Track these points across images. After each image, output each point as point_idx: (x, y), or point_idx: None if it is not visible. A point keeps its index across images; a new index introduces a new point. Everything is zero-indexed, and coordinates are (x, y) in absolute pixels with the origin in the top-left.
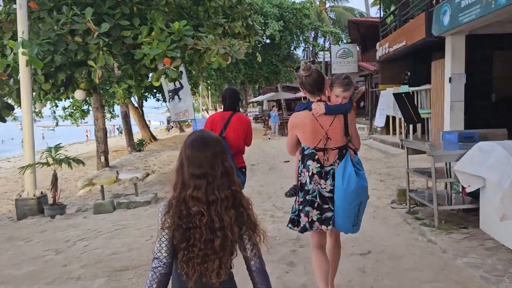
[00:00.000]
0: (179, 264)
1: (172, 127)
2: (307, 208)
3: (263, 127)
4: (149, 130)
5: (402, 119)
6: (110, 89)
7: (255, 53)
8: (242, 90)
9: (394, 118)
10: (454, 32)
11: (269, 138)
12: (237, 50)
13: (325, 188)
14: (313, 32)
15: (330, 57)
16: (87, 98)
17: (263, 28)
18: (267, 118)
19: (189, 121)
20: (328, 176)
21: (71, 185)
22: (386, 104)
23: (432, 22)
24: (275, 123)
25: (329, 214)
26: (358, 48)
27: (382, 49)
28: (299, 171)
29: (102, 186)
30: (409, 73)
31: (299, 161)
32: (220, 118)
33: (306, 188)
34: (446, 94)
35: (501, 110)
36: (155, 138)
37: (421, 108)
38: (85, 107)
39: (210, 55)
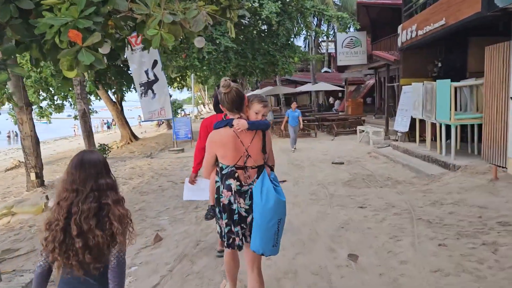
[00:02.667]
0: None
1: (163, 122)
2: (236, 229)
3: None
4: (130, 128)
5: (440, 125)
6: None
7: (248, 39)
8: (235, 82)
9: (422, 121)
10: None
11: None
12: (193, 17)
13: (243, 207)
14: (315, 18)
15: (335, 47)
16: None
17: (258, 11)
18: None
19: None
20: (246, 195)
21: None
22: (412, 103)
23: None
24: (294, 127)
25: (241, 230)
26: (367, 37)
27: (407, 33)
28: (220, 192)
29: None
30: (439, 64)
31: (217, 181)
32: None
33: (232, 207)
34: None
35: None
36: (136, 138)
37: (461, 110)
38: (59, 101)
39: (150, 25)
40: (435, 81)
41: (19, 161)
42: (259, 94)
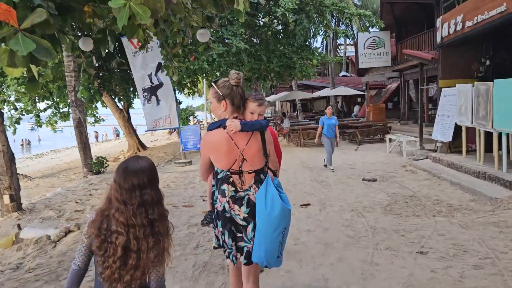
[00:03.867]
0: (99, 268)
1: (174, 130)
2: (229, 240)
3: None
4: (137, 137)
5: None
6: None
7: (262, 40)
8: (249, 87)
9: (470, 129)
10: None
11: (325, 166)
12: None
13: (238, 215)
14: (333, 19)
15: (355, 48)
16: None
17: (273, 10)
18: (279, 122)
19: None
20: (243, 202)
21: None
22: (457, 108)
23: None
24: (331, 138)
25: (242, 244)
26: (391, 37)
27: (449, 26)
28: (214, 198)
29: None
30: (487, 62)
31: (213, 186)
32: None
33: (226, 215)
34: None
35: None
36: (144, 147)
37: None
38: (65, 109)
39: None
40: (482, 81)
41: (18, 174)
42: (254, 93)
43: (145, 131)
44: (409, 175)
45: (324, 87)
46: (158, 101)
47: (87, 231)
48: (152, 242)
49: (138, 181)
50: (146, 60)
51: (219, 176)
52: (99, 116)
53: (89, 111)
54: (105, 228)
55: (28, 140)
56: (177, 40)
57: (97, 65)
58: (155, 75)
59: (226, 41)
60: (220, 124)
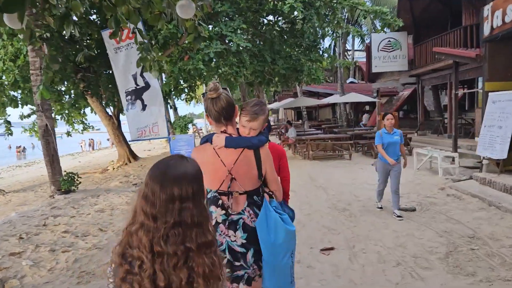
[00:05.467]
0: None
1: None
2: (229, 265)
3: (279, 141)
4: (128, 146)
5: None
6: None
7: (266, 39)
8: (250, 93)
9: None
10: None
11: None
12: None
13: (235, 241)
14: (344, 20)
15: (368, 52)
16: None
17: (279, 6)
18: (283, 131)
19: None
20: (237, 227)
21: None
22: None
23: None
24: (388, 166)
25: (241, 272)
26: (408, 40)
27: (504, 13)
28: None
29: None
30: None
31: None
32: None
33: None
34: None
35: None
36: (135, 157)
37: None
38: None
39: None
40: None
41: None
42: (255, 101)
43: (129, 141)
44: (454, 202)
45: (330, 94)
46: (143, 106)
47: (110, 261)
48: (186, 277)
49: (180, 191)
50: (129, 58)
51: (208, 196)
52: (88, 123)
53: (76, 118)
54: (129, 254)
55: (24, 147)
56: (162, 28)
57: (85, 65)
58: (140, 75)
59: (226, 40)
60: (207, 138)
